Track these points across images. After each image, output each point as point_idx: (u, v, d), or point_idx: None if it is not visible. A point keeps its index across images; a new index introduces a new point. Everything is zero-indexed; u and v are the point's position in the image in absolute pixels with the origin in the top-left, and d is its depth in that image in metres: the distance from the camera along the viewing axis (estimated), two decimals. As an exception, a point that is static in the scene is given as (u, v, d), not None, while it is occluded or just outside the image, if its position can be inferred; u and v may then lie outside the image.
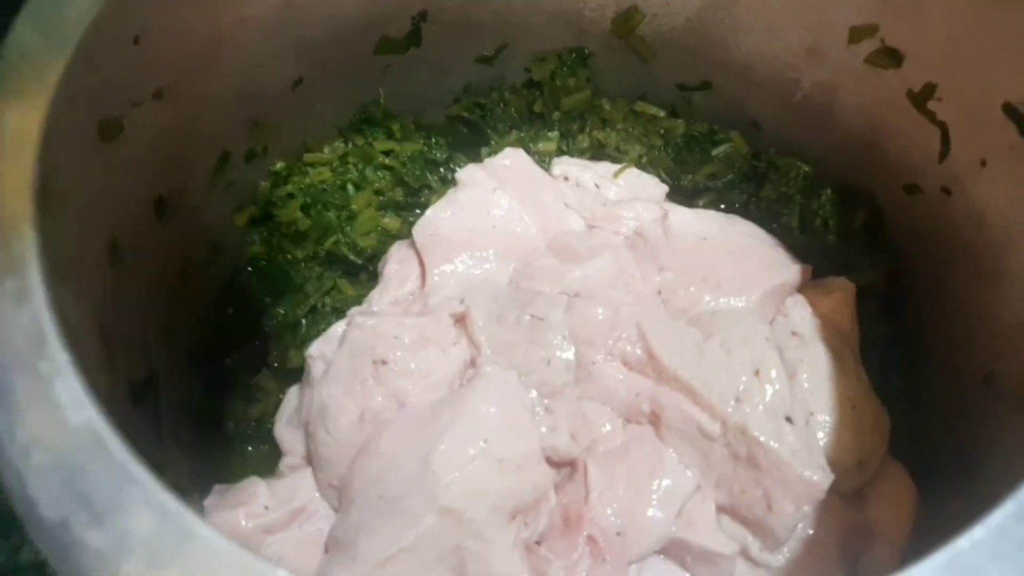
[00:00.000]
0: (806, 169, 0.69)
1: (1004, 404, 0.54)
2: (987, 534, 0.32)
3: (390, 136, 0.71)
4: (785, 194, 0.69)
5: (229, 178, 0.65)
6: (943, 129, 0.59)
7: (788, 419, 0.51)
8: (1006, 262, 0.55)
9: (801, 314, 0.59)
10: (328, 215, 0.67)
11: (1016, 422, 0.52)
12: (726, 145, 0.72)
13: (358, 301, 0.63)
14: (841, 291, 0.61)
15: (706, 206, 0.70)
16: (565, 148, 0.73)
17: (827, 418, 0.54)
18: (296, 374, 0.62)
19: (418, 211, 0.68)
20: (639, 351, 0.54)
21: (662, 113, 0.73)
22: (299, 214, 0.67)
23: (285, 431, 0.59)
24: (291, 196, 0.68)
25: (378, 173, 0.69)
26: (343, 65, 0.67)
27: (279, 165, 0.69)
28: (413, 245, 0.61)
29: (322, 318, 0.65)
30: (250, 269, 0.68)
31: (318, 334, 0.61)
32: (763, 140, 0.72)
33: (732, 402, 0.51)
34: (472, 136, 0.73)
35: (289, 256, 0.67)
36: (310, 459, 0.57)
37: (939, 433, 0.60)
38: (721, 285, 0.58)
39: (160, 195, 0.56)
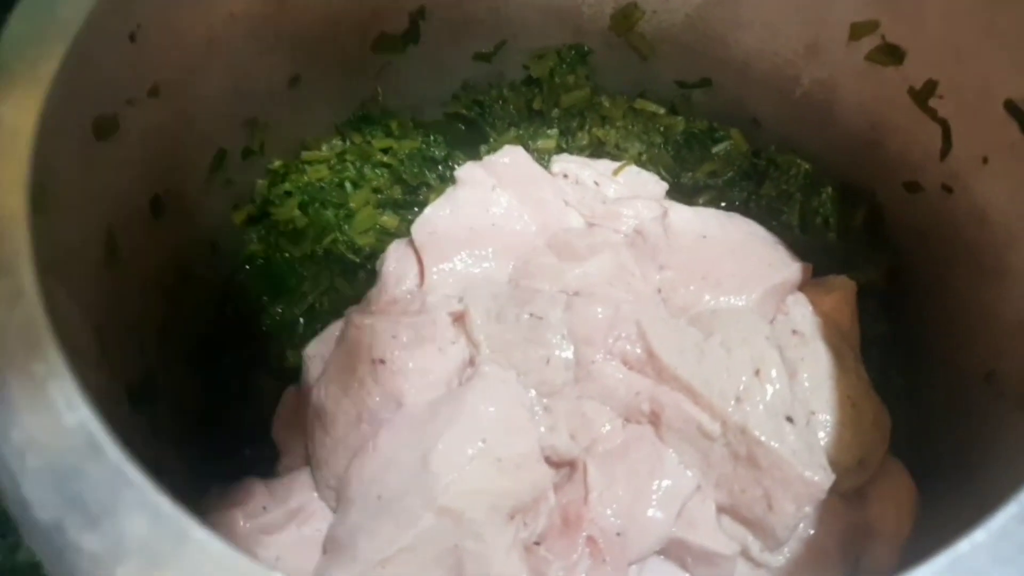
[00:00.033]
0: (806, 167, 0.69)
1: (1005, 402, 0.54)
2: (988, 537, 0.32)
3: (388, 134, 0.71)
4: (785, 192, 0.69)
5: (226, 176, 0.64)
6: (944, 126, 0.59)
7: (789, 418, 0.51)
8: (1007, 260, 0.55)
9: (802, 312, 0.59)
10: (326, 213, 0.67)
11: (1017, 420, 0.52)
12: (726, 143, 0.71)
13: (356, 300, 0.63)
14: (841, 289, 0.61)
15: (706, 204, 0.69)
16: (564, 146, 0.72)
17: (828, 417, 0.54)
18: (294, 373, 0.62)
19: (416, 209, 0.67)
20: (639, 350, 0.53)
21: (662, 110, 0.73)
22: (297, 212, 0.67)
23: (283, 431, 0.59)
24: (289, 194, 0.67)
25: (376, 171, 0.69)
26: (340, 62, 0.67)
27: (276, 163, 0.68)
28: (411, 243, 0.61)
29: (320, 317, 0.65)
30: (247, 268, 0.67)
31: (315, 333, 0.61)
32: (763, 137, 0.72)
33: (732, 401, 0.51)
34: (471, 134, 0.73)
35: (287, 255, 0.67)
36: (308, 459, 0.56)
37: (940, 432, 0.59)
38: (721, 283, 0.58)
39: (156, 194, 0.56)
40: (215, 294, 0.66)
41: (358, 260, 0.67)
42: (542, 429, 0.52)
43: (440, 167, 0.71)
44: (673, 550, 0.52)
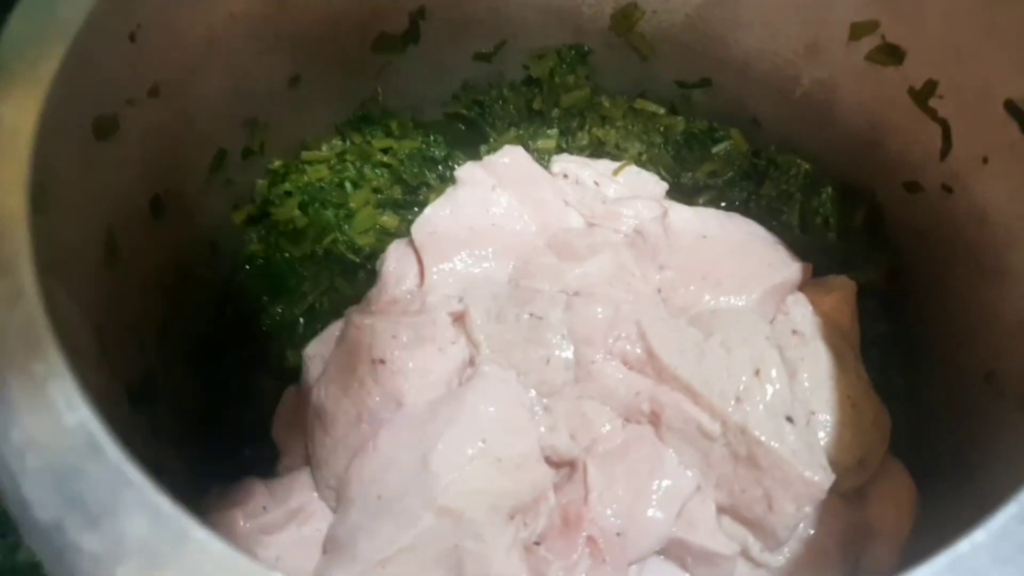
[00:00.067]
0: (806, 167, 0.69)
1: (1005, 402, 0.53)
2: (988, 537, 0.32)
3: (388, 134, 0.71)
4: (785, 192, 0.69)
5: (226, 176, 0.64)
6: (944, 127, 0.58)
7: (789, 418, 0.51)
8: (1007, 260, 0.55)
9: (802, 312, 0.59)
10: (326, 213, 0.67)
11: (1017, 420, 0.52)
12: (726, 143, 0.71)
13: (356, 300, 0.63)
14: (842, 289, 0.61)
15: (706, 204, 0.69)
16: (564, 146, 0.72)
17: (828, 417, 0.54)
18: (294, 373, 0.62)
19: (416, 209, 0.67)
20: (639, 350, 0.53)
21: (662, 110, 0.73)
22: (297, 212, 0.66)
23: (283, 431, 0.59)
24: (289, 194, 0.67)
25: (376, 171, 0.69)
26: (341, 62, 0.67)
27: (276, 163, 0.68)
28: (411, 243, 0.61)
29: (320, 317, 0.65)
30: (247, 268, 0.67)
31: (315, 333, 0.61)
32: (763, 137, 0.72)
33: (732, 401, 0.51)
34: (471, 133, 0.73)
35: (287, 255, 0.67)
36: (308, 459, 0.56)
37: (940, 432, 0.59)
38: (721, 283, 0.58)
39: (156, 194, 0.56)
40: (215, 294, 0.66)
41: (358, 260, 0.67)
42: (542, 429, 0.52)
43: (440, 167, 0.71)
44: (673, 550, 0.51)
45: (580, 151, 0.72)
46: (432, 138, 0.71)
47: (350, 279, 0.67)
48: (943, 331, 0.62)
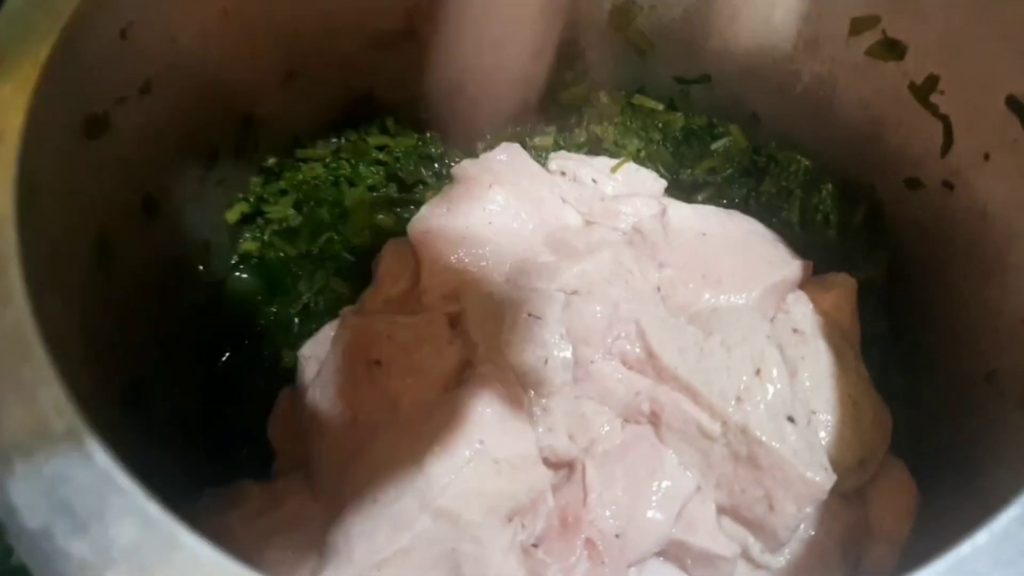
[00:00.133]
0: (806, 163, 0.69)
1: (1006, 402, 0.53)
2: (990, 539, 0.32)
3: (384, 131, 0.70)
4: (785, 188, 0.69)
5: (220, 175, 0.64)
6: (945, 122, 0.58)
7: (789, 418, 0.51)
8: (1008, 257, 0.54)
9: (802, 311, 0.58)
10: (321, 212, 0.66)
11: (1018, 420, 0.51)
12: (725, 139, 0.71)
13: (351, 300, 0.62)
14: (842, 287, 0.60)
15: (705, 201, 0.69)
16: (562, 143, 0.72)
17: (828, 416, 0.54)
18: (289, 374, 0.61)
19: (413, 207, 0.67)
20: (638, 350, 0.53)
21: (660, 107, 0.72)
22: (291, 211, 0.66)
23: (278, 433, 0.59)
24: (283, 193, 0.67)
25: (371, 168, 0.69)
26: (335, 59, 0.66)
27: (271, 161, 0.68)
28: (407, 242, 0.60)
29: (315, 317, 0.64)
30: (241, 268, 0.67)
31: (310, 333, 0.61)
32: (763, 134, 0.71)
33: (733, 401, 0.51)
34: (467, 130, 0.72)
35: (281, 254, 0.66)
36: (304, 461, 0.56)
37: (940, 431, 0.59)
38: (721, 282, 0.57)
39: (149, 193, 0.55)
40: (209, 294, 0.65)
41: (353, 259, 0.66)
42: (540, 430, 0.52)
43: (436, 165, 0.70)
44: (672, 552, 0.51)
45: (578, 148, 0.71)
46: (428, 135, 0.71)
47: (345, 278, 0.66)
48: (943, 329, 0.61)
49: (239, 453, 0.60)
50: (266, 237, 0.67)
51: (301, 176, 0.67)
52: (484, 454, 0.49)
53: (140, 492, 0.32)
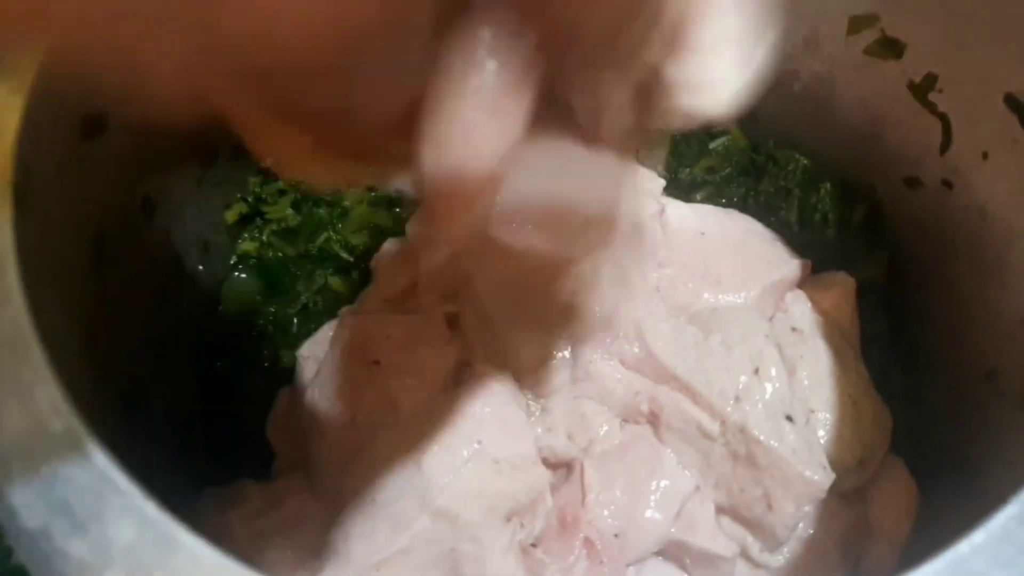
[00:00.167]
0: (805, 162, 0.69)
1: (1006, 401, 0.53)
2: (988, 538, 0.31)
3: (383, 130, 0.70)
4: (784, 188, 0.69)
5: (218, 175, 0.64)
6: (944, 121, 0.58)
7: (788, 417, 0.51)
8: (1008, 256, 0.54)
9: (801, 310, 0.58)
10: (319, 212, 0.66)
11: (1018, 420, 0.51)
12: (724, 138, 0.71)
13: (350, 299, 0.62)
14: (841, 286, 0.60)
15: (704, 200, 0.69)
16: (561, 142, 0.72)
17: (828, 416, 0.54)
18: (288, 374, 0.61)
19: (412, 207, 0.67)
20: (637, 349, 0.53)
21: (659, 105, 0.72)
22: (290, 211, 0.66)
23: (277, 433, 0.59)
24: (282, 193, 0.67)
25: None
26: (334, 59, 0.66)
27: (269, 161, 0.67)
28: (406, 242, 0.60)
29: (314, 317, 0.64)
30: (240, 267, 0.67)
31: (309, 333, 0.60)
32: (761, 133, 0.71)
33: (732, 401, 0.50)
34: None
35: (280, 254, 0.66)
36: (302, 461, 0.56)
37: (940, 431, 0.59)
38: (720, 281, 0.57)
39: (147, 193, 0.55)
40: (207, 294, 0.65)
41: (352, 259, 0.66)
42: (539, 430, 0.52)
43: (436, 164, 0.70)
44: (672, 551, 0.51)
45: (576, 147, 0.71)
46: (427, 134, 0.70)
47: (344, 278, 0.66)
48: (943, 328, 0.61)
49: (238, 453, 0.60)
50: (265, 237, 0.66)
51: (300, 176, 0.67)
52: (483, 454, 0.49)
53: (139, 492, 0.32)
